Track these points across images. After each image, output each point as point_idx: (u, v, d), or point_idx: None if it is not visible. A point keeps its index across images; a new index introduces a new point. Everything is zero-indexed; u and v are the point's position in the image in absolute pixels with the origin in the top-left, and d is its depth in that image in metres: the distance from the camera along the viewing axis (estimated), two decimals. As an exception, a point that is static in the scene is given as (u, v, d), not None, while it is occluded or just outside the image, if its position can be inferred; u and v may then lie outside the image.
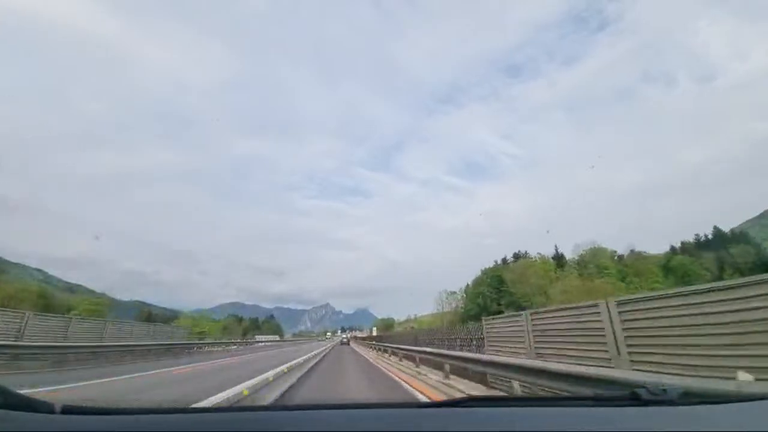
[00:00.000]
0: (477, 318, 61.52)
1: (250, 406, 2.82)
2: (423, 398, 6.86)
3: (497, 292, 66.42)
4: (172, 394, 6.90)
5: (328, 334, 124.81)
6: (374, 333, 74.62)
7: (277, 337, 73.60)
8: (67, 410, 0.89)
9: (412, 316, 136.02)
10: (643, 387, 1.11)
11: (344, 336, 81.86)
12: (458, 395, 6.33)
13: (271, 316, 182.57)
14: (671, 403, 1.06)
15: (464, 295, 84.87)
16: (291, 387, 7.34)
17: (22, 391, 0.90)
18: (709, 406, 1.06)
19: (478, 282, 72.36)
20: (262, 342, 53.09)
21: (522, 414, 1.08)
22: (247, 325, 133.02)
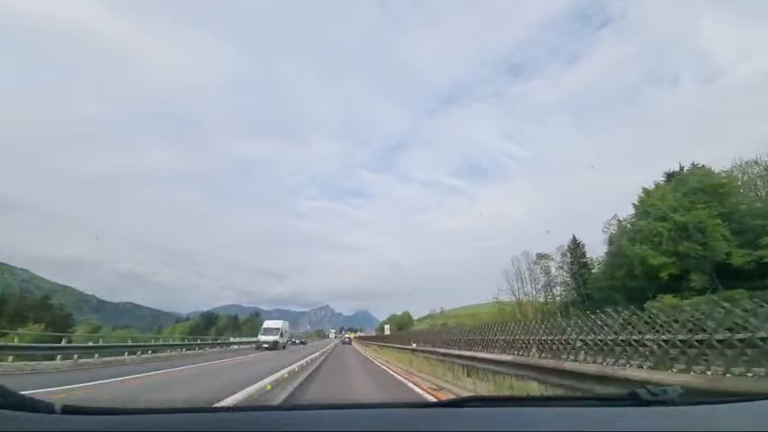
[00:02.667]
0: (675, 280, 34.39)
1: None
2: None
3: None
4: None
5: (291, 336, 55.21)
6: (387, 332, 60.04)
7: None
8: (67, 410, 0.94)
9: (437, 310, 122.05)
10: (643, 387, 1.17)
11: (346, 336, 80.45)
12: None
13: (256, 314, 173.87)
14: (671, 403, 1.12)
15: (568, 258, 56.94)
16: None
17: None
18: (709, 406, 1.12)
19: (656, 197, 39.05)
20: (236, 345, 37.47)
21: (522, 414, 1.14)
22: (224, 324, 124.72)
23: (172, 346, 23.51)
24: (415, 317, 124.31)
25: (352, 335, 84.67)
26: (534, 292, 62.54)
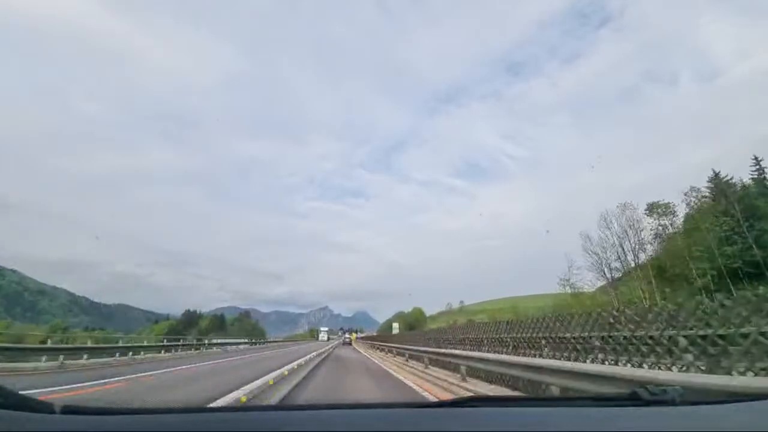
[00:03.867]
0: None
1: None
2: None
3: None
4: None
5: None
6: (395, 331, 51.26)
7: (244, 340, 51.17)
8: (67, 410, 0.97)
9: (454, 306, 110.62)
10: (644, 387, 1.20)
11: (347, 336, 75.38)
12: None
13: (247, 314, 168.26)
14: (671, 403, 1.15)
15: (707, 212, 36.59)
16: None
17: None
18: (709, 406, 1.15)
19: None
20: (218, 348, 33.80)
21: (522, 414, 1.17)
22: (208, 324, 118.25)
23: (134, 349, 18.96)
24: (433, 312, 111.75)
25: (353, 336, 77.60)
26: (636, 265, 40.94)
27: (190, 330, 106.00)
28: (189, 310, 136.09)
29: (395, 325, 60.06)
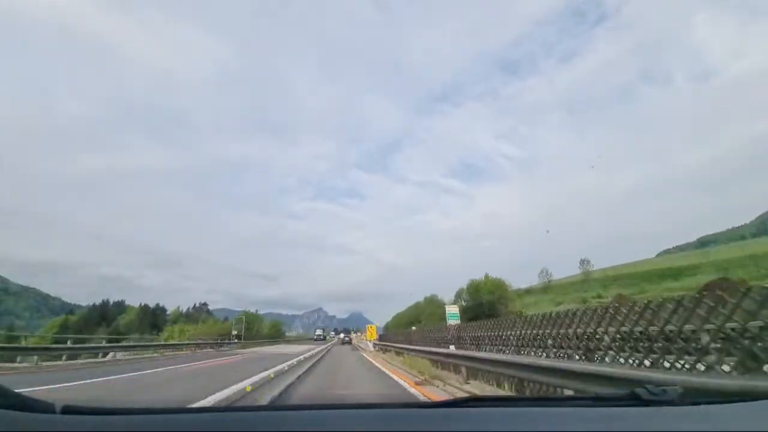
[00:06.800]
0: None
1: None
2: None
3: None
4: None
5: None
6: (451, 320, 18.32)
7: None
8: (67, 410, 1.01)
9: (555, 277, 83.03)
10: (643, 387, 1.24)
11: (346, 336, 70.16)
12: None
13: (202, 306, 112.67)
14: (671, 403, 1.19)
15: None
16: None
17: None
18: (709, 406, 1.19)
19: None
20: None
21: (522, 414, 1.21)
22: (130, 321, 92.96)
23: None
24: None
25: (371, 333, 71.57)
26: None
27: (98, 328, 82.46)
28: (104, 300, 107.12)
29: (452, 310, 22.07)
